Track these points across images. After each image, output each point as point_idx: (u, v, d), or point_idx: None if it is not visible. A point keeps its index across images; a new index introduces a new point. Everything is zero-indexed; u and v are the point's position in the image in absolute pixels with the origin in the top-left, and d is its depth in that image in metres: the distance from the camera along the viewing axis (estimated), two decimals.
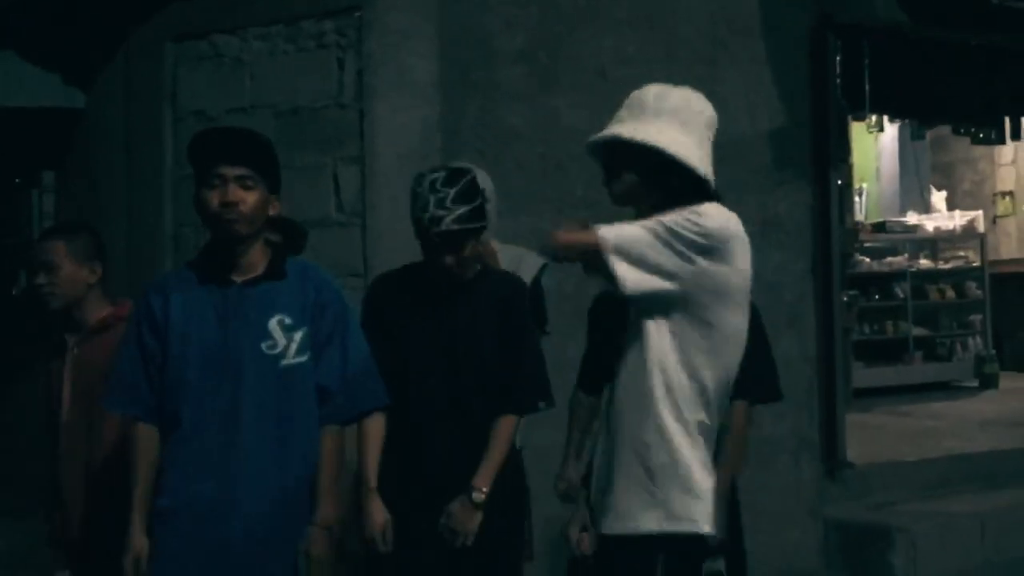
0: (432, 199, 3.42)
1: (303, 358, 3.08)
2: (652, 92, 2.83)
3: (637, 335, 2.73)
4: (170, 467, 3.04)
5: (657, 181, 2.74)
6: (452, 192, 3.44)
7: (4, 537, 7.05)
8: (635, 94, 2.86)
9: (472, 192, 3.48)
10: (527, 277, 3.93)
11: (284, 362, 3.05)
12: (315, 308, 3.12)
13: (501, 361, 3.50)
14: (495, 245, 4.11)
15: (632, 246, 2.64)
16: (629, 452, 2.74)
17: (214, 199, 2.98)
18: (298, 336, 3.07)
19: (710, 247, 2.62)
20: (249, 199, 3.02)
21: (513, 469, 3.61)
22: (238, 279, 3.07)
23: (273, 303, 3.07)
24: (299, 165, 5.69)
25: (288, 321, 3.07)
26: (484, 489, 3.39)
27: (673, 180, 2.72)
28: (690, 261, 2.61)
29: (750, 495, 5.80)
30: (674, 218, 2.63)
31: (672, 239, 2.62)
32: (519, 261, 4.11)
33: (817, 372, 6.14)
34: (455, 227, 3.41)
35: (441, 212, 3.41)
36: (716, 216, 2.65)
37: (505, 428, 3.48)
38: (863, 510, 6.10)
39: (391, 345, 3.48)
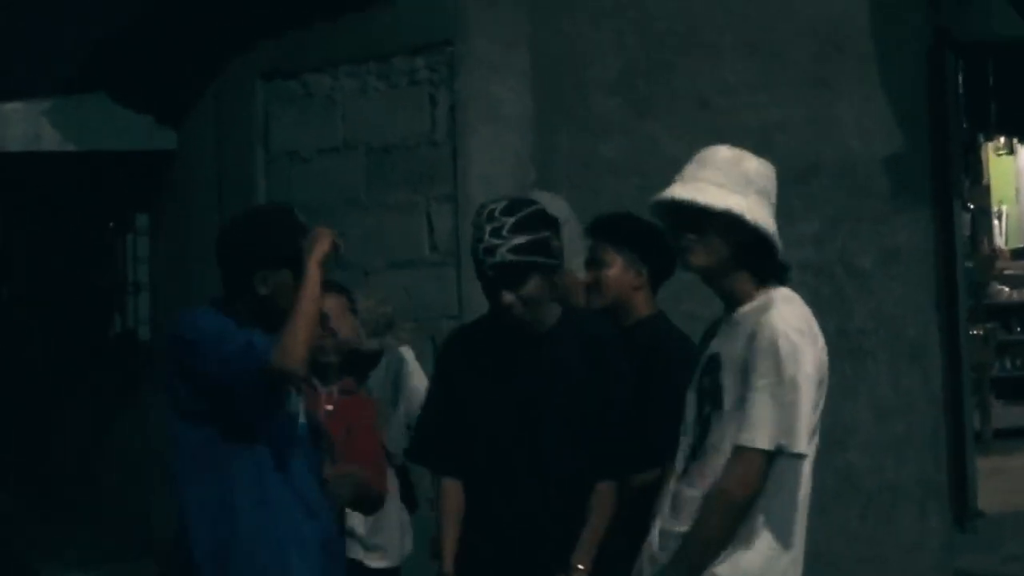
0: (488, 228, 3.21)
1: None
2: (726, 155, 2.87)
3: None
4: None
5: (747, 261, 2.84)
6: (510, 221, 3.20)
7: None
8: (709, 154, 2.89)
9: (534, 222, 3.25)
10: None
11: None
12: None
13: (590, 419, 3.26)
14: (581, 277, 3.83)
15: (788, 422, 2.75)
16: None
17: None
18: None
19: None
20: None
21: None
22: None
23: None
24: (391, 204, 5.92)
25: None
26: (582, 567, 3.18)
27: (762, 262, 2.84)
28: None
29: (873, 547, 5.85)
30: (790, 368, 2.74)
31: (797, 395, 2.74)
32: None
33: (944, 413, 6.09)
34: (511, 258, 3.18)
35: (496, 241, 3.18)
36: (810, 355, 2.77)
37: (603, 497, 3.25)
38: (996, 562, 6.03)
39: (460, 410, 3.37)
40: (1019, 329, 10.01)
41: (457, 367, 3.44)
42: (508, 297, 3.22)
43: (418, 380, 4.51)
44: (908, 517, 5.96)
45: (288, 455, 3.18)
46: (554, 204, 3.70)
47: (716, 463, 2.81)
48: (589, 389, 3.27)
